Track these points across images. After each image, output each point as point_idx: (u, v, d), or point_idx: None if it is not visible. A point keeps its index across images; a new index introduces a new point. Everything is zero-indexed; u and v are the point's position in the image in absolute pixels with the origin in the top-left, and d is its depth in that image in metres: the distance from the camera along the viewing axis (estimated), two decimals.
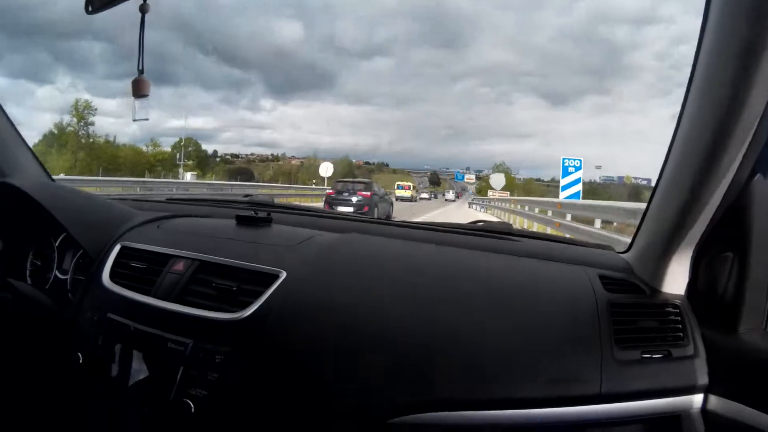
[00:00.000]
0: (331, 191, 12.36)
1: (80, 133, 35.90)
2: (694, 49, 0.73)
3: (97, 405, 0.93)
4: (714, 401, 0.76)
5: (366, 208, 10.64)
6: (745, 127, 0.67)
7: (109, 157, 37.55)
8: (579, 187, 13.30)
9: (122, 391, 0.87)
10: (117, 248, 1.06)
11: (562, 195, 12.94)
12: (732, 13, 0.64)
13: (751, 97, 0.64)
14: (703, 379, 0.76)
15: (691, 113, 0.75)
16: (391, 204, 13.92)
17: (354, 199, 11.11)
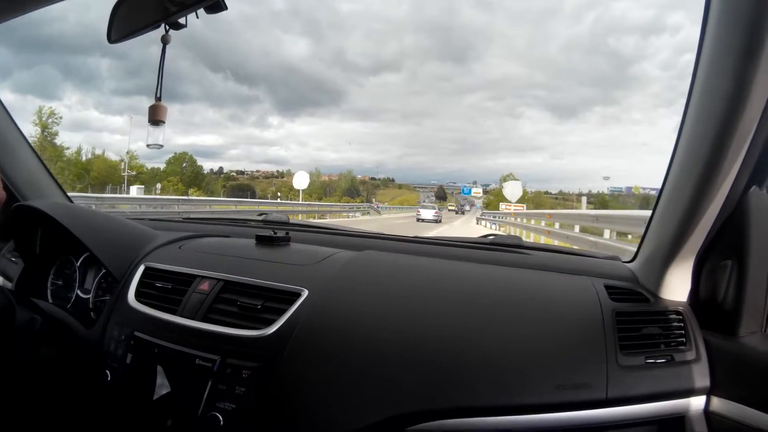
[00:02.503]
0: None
1: (43, 144, 34.07)
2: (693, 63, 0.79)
3: (124, 420, 0.96)
4: (716, 403, 0.81)
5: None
6: (740, 141, 0.73)
7: (79, 172, 36.04)
8: None
9: (148, 405, 0.92)
10: (141, 268, 1.11)
11: None
12: (727, 32, 0.71)
13: (746, 112, 0.70)
14: (705, 382, 0.82)
15: (689, 127, 0.81)
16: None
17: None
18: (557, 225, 11.34)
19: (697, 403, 0.81)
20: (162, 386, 0.92)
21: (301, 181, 27.74)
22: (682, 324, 0.88)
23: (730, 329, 0.84)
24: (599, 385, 0.79)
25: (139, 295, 1.06)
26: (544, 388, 0.79)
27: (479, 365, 0.81)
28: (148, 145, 1.05)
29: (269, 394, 0.85)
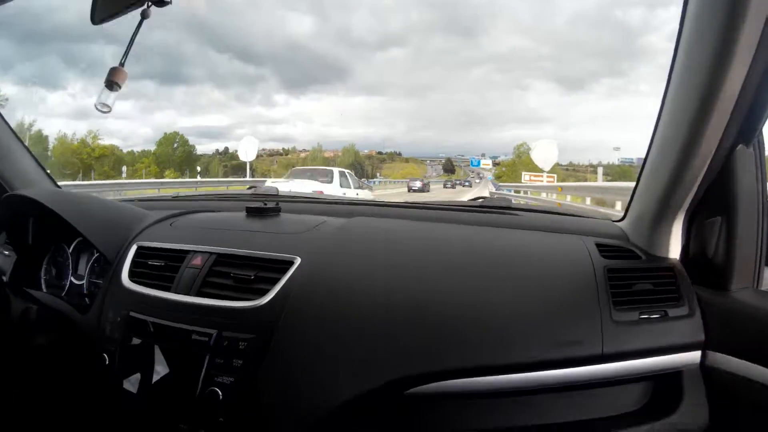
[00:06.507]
0: None
1: None
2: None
3: (125, 402, 0.98)
4: (711, 357, 0.84)
5: None
6: (726, 99, 0.73)
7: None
8: None
9: (148, 386, 0.94)
10: (134, 248, 1.13)
11: None
12: None
13: (732, 70, 0.70)
14: (699, 337, 0.84)
15: (676, 85, 0.82)
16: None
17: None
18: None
19: (692, 357, 0.84)
20: (160, 365, 0.94)
21: (247, 151, 20.76)
22: (674, 280, 0.90)
23: (722, 285, 0.86)
24: (594, 340, 0.82)
25: (132, 275, 1.08)
26: (540, 346, 0.82)
27: (475, 326, 0.84)
28: (96, 106, 1.05)
29: (267, 364, 0.87)
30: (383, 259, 0.99)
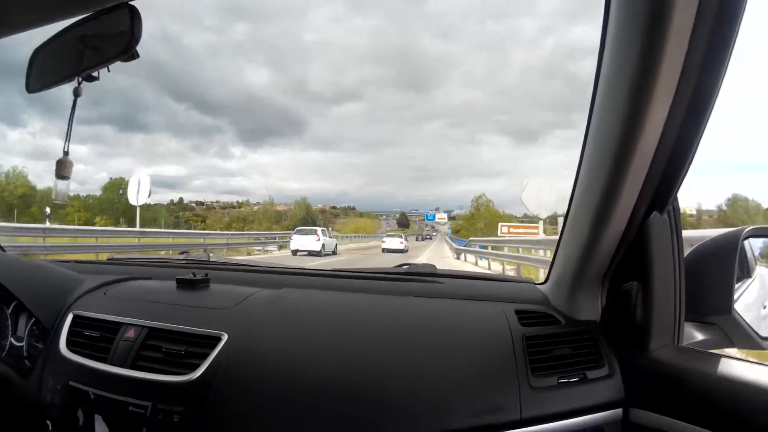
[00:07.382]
0: None
1: None
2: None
3: None
4: (633, 413, 0.87)
5: None
6: (638, 169, 0.77)
7: None
8: None
9: None
10: (70, 317, 1.17)
11: None
12: (622, 56, 0.73)
13: (643, 139, 0.74)
14: (619, 395, 0.88)
15: (590, 154, 0.85)
16: None
17: None
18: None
19: (613, 415, 0.87)
20: None
21: (138, 192, 15.92)
22: (593, 342, 0.94)
23: (642, 344, 0.90)
24: (513, 407, 0.85)
25: (70, 344, 1.11)
26: (461, 414, 0.85)
27: (398, 396, 0.87)
28: (54, 200, 1.09)
29: None
30: (309, 333, 1.03)
